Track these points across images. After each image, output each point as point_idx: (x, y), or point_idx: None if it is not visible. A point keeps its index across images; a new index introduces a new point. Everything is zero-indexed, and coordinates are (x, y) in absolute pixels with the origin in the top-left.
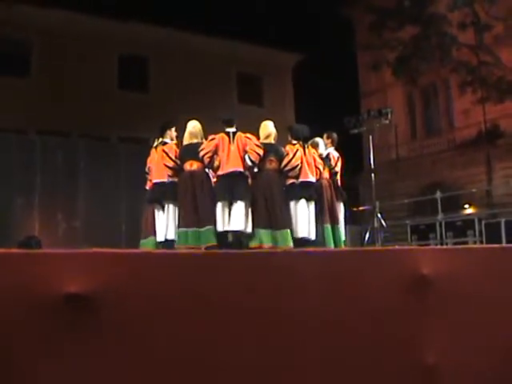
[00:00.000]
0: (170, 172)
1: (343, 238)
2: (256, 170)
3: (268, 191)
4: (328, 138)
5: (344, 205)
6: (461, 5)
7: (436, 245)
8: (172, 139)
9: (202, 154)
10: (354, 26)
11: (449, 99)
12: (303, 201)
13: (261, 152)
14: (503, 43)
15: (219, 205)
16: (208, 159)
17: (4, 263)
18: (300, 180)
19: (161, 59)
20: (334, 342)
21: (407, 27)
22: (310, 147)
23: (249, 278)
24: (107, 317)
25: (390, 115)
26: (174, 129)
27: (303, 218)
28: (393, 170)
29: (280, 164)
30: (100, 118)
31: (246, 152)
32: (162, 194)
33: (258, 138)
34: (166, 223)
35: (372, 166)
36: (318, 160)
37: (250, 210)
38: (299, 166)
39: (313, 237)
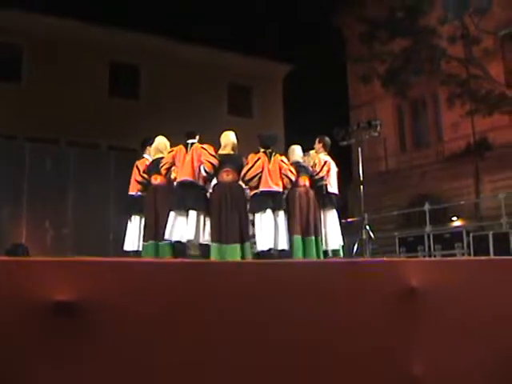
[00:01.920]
0: (139, 187)
1: (336, 245)
2: (215, 181)
3: (222, 203)
4: (319, 142)
5: (337, 210)
6: (451, 18)
7: (424, 257)
8: (151, 155)
9: (160, 166)
10: (344, 38)
11: (438, 112)
12: (269, 210)
13: (214, 162)
14: (492, 56)
15: (171, 214)
16: (165, 171)
17: None
18: (261, 189)
19: (152, 67)
20: (321, 355)
21: (398, 39)
22: (277, 155)
23: (236, 288)
24: (96, 325)
25: (379, 127)
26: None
27: (269, 228)
28: (381, 182)
29: (239, 174)
30: (90, 125)
31: (201, 163)
32: (130, 206)
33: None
34: (135, 234)
35: (361, 178)
36: (289, 167)
37: (206, 220)
38: (259, 175)
39: (283, 246)
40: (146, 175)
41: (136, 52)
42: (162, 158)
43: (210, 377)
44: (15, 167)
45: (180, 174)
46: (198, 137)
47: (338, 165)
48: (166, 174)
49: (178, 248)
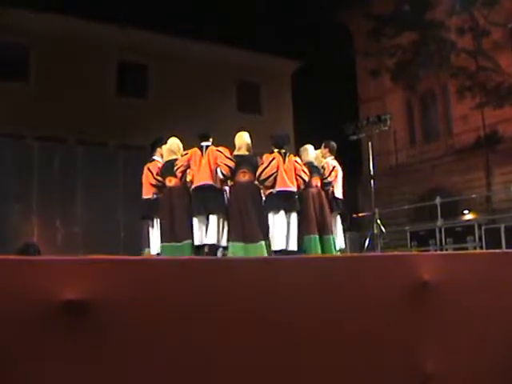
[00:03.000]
0: (154, 189)
1: (338, 248)
2: (231, 183)
3: (242, 204)
4: (326, 147)
5: (341, 216)
6: (459, 10)
7: (436, 250)
8: (162, 156)
9: (175, 169)
10: (352, 33)
11: (447, 105)
12: (282, 212)
13: (231, 164)
14: (502, 49)
15: (195, 220)
16: (180, 174)
17: (2, 269)
18: (277, 189)
19: (160, 66)
20: (332, 349)
21: (406, 33)
22: (291, 155)
23: (249, 285)
24: (106, 323)
25: (388, 121)
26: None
27: (281, 229)
28: (392, 176)
29: (255, 174)
30: (98, 124)
31: (217, 165)
32: (148, 210)
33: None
34: (157, 237)
35: (371, 173)
36: (302, 168)
37: (225, 223)
38: (274, 175)
39: (293, 248)
40: (159, 178)
41: (144, 51)
42: (176, 159)
43: (220, 376)
44: (24, 167)
45: (198, 178)
46: (211, 139)
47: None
48: (182, 176)
49: (198, 252)
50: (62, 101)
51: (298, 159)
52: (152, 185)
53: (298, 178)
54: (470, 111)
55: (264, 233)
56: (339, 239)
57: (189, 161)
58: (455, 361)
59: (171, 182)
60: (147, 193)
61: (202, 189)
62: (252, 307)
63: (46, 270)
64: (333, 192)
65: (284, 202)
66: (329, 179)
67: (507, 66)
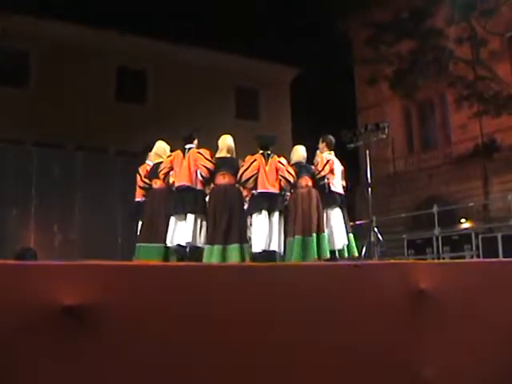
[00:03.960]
0: (142, 192)
1: (340, 245)
2: (212, 185)
3: (218, 206)
4: (323, 141)
5: (341, 209)
6: (458, 19)
7: (433, 259)
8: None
9: (158, 171)
10: (351, 41)
11: (445, 113)
12: (264, 212)
13: (210, 166)
14: (500, 58)
15: (172, 219)
16: (163, 176)
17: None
18: (258, 191)
19: (159, 72)
20: (330, 357)
21: (404, 41)
22: (275, 156)
23: (245, 293)
24: (104, 329)
25: (387, 129)
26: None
27: (262, 230)
28: (389, 185)
29: (236, 177)
30: (97, 130)
31: (197, 167)
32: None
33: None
34: None
35: (369, 180)
36: (286, 168)
37: (203, 224)
38: (255, 177)
39: (275, 248)
40: (147, 180)
41: (143, 57)
42: (162, 162)
43: (216, 378)
44: (23, 172)
45: (177, 179)
46: (196, 141)
47: (345, 167)
48: (165, 178)
49: (180, 251)
50: (61, 106)
51: (282, 160)
52: (140, 187)
53: (281, 179)
54: (468, 120)
55: (240, 236)
56: (339, 235)
57: (171, 163)
58: (452, 368)
59: (157, 184)
60: (138, 195)
61: (180, 190)
62: (247, 315)
63: (44, 276)
64: (329, 186)
65: (265, 202)
66: (322, 173)
67: (505, 75)
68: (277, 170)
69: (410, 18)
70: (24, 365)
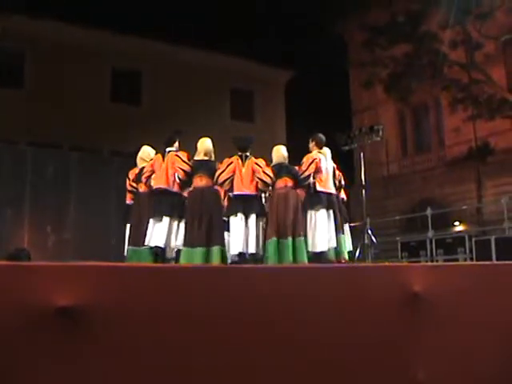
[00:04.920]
0: (131, 195)
1: (325, 247)
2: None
3: (195, 208)
4: (312, 140)
5: (331, 212)
6: (453, 23)
7: (426, 262)
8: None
9: (141, 174)
10: (347, 43)
11: (439, 117)
12: (240, 215)
13: (186, 169)
14: (494, 61)
15: (151, 221)
16: (145, 179)
17: None
18: (234, 193)
19: (154, 73)
20: (325, 358)
21: (400, 45)
22: (252, 158)
23: (236, 293)
24: (98, 330)
25: (381, 132)
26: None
27: (238, 232)
28: (383, 187)
29: (213, 179)
30: (92, 130)
31: (175, 170)
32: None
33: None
34: None
35: (363, 183)
36: (263, 170)
37: (179, 226)
38: (231, 179)
39: (253, 251)
40: (134, 184)
41: (138, 57)
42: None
43: (213, 378)
44: (17, 172)
45: (156, 182)
46: (176, 143)
47: (340, 169)
48: (146, 182)
49: (158, 253)
50: (56, 107)
51: (259, 161)
52: (128, 191)
53: (258, 181)
54: (462, 123)
55: (216, 238)
56: (322, 238)
57: (152, 166)
58: (446, 370)
59: (141, 187)
60: (128, 199)
61: (158, 192)
62: (245, 316)
63: (38, 277)
64: (314, 186)
65: (241, 205)
66: (306, 173)
67: (499, 78)
68: (253, 172)
69: (407, 22)
70: (20, 365)
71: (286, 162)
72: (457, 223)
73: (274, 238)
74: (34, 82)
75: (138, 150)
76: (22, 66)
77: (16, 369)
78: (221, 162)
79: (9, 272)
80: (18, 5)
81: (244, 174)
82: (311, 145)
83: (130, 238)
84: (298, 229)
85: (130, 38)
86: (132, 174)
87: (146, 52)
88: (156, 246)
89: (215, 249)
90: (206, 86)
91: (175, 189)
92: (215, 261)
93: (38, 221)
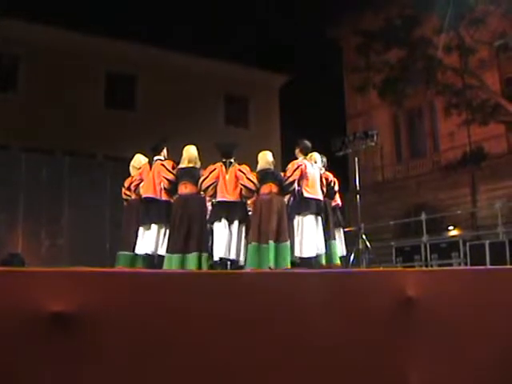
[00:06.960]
0: (125, 202)
1: (313, 253)
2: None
3: (179, 215)
4: (297, 146)
5: (319, 217)
6: (447, 28)
7: (421, 266)
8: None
9: (132, 182)
10: (341, 48)
11: (434, 121)
12: (223, 221)
13: (171, 178)
14: (487, 67)
15: (140, 229)
16: (134, 187)
17: None
18: (217, 199)
19: (149, 78)
20: (318, 362)
21: (394, 50)
22: (235, 165)
23: (226, 299)
24: (91, 335)
25: (375, 137)
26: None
27: (221, 238)
28: (378, 192)
29: (197, 186)
30: (86, 135)
31: (161, 179)
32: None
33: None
34: None
35: (357, 188)
36: (247, 176)
37: (166, 233)
38: (214, 185)
39: (234, 257)
40: (127, 192)
41: (132, 62)
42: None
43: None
44: (11, 177)
45: (144, 191)
46: (164, 151)
47: (334, 175)
48: (135, 190)
49: (148, 260)
50: (50, 112)
51: (243, 168)
52: (124, 199)
53: (241, 187)
54: (456, 128)
55: (199, 244)
56: (309, 243)
57: (141, 175)
58: (439, 373)
59: (132, 196)
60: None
61: (146, 201)
62: (244, 318)
63: (31, 282)
64: (301, 192)
65: (224, 211)
66: (290, 179)
67: (493, 83)
68: (237, 179)
69: (401, 27)
70: (13, 370)
71: (272, 167)
72: (451, 228)
73: (255, 243)
74: (28, 86)
75: (133, 156)
76: (16, 71)
77: (10, 373)
78: (205, 169)
79: (2, 277)
80: (12, 9)
81: (228, 180)
82: (296, 151)
83: (121, 243)
84: (283, 234)
85: (125, 43)
86: (127, 182)
87: (141, 57)
88: (146, 254)
89: (191, 255)
90: (200, 92)
91: (163, 197)
92: (191, 267)
93: (31, 226)
